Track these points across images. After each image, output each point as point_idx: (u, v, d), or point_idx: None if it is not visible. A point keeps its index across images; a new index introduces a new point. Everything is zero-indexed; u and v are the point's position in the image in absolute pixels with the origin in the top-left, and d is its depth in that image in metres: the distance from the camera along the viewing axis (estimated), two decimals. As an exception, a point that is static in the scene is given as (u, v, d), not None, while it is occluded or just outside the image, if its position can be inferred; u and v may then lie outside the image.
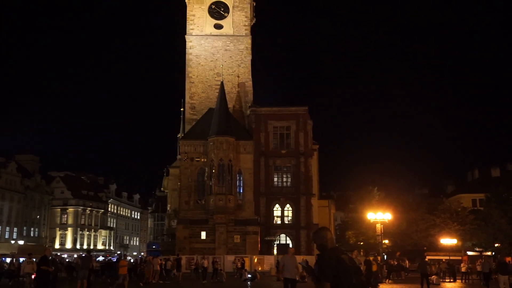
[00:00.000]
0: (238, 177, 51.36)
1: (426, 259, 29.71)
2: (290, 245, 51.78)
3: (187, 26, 59.78)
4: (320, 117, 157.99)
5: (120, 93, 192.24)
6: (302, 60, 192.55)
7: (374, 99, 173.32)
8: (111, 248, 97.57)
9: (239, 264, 38.59)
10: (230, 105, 54.93)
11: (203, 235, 49.29)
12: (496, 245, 50.68)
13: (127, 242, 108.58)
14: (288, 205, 52.71)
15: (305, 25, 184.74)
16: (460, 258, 45.97)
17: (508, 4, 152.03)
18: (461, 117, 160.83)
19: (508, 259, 47.81)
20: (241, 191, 51.64)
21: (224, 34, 59.66)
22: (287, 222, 52.74)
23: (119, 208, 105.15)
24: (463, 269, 37.01)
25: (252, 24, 61.54)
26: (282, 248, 48.11)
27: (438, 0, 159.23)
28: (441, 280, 34.50)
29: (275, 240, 51.71)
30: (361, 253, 45.50)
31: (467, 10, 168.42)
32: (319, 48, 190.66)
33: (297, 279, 14.02)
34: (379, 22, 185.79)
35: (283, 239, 52.56)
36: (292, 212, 52.64)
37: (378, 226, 37.38)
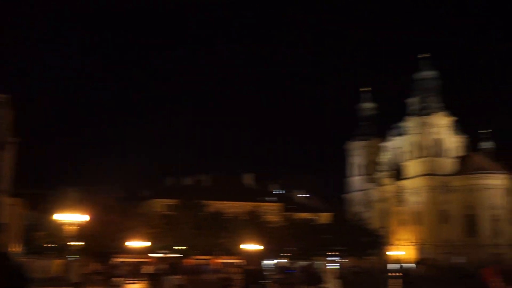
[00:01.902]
0: None
1: (115, 261, 31.19)
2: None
3: None
4: (39, 111, 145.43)
5: None
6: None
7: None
8: None
9: None
10: None
11: None
12: (181, 247, 55.93)
13: None
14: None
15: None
16: (146, 260, 49.17)
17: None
18: (160, 130, 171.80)
19: (190, 261, 53.39)
20: None
21: None
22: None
23: None
24: (147, 270, 39.80)
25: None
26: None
27: None
28: (126, 281, 36.25)
29: None
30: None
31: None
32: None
33: None
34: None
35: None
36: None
37: (68, 228, 37.00)
